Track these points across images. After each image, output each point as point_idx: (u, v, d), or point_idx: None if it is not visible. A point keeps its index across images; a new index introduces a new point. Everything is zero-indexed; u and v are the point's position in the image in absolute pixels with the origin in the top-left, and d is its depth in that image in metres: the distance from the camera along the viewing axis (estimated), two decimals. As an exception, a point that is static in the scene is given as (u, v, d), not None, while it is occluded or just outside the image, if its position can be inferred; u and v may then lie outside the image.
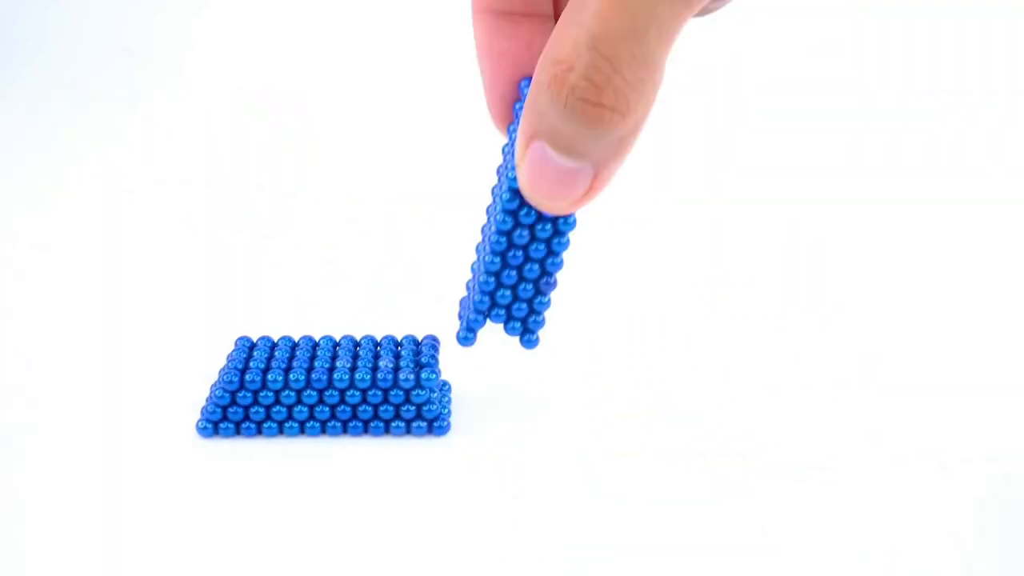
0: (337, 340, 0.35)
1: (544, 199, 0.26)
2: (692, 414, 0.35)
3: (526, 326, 0.31)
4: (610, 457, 0.32)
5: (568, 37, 0.23)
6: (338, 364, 0.33)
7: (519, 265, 0.31)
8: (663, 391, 0.36)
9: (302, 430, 0.33)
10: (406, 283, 0.46)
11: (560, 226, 0.30)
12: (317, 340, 0.35)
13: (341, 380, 0.32)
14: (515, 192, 0.29)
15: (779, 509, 0.30)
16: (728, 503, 0.30)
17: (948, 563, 0.28)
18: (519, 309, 0.31)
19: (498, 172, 0.31)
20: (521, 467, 0.32)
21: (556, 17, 0.30)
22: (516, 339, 0.31)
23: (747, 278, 0.46)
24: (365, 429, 0.33)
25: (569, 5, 0.24)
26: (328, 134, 0.65)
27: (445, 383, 0.35)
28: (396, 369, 0.33)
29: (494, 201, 0.31)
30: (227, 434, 0.33)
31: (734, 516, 0.30)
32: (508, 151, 0.31)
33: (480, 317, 0.31)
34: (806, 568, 0.28)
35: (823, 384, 0.37)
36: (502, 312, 0.31)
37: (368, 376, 0.32)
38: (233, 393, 0.32)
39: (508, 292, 0.31)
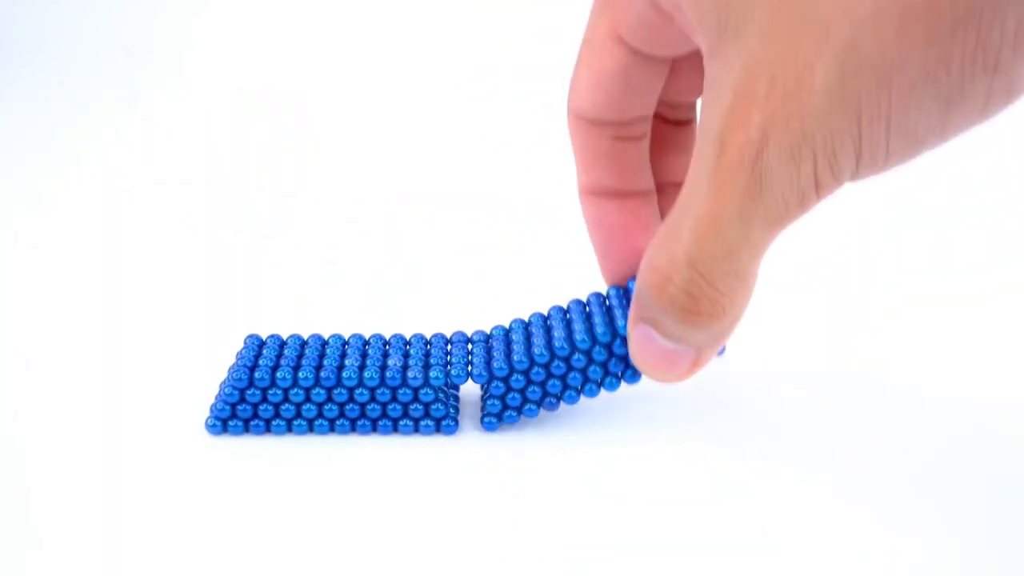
0: (346, 339, 0.35)
1: (649, 371, 0.30)
2: (696, 413, 0.35)
3: (501, 418, 0.33)
4: (615, 458, 0.33)
5: (668, 250, 0.26)
6: (347, 363, 0.33)
7: (558, 375, 0.32)
8: (670, 392, 0.37)
9: (311, 428, 0.33)
10: (407, 282, 0.47)
11: (628, 377, 0.33)
12: (327, 338, 0.35)
13: (350, 379, 0.33)
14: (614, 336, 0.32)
15: (779, 509, 0.30)
16: (729, 503, 0.30)
17: (948, 563, 0.28)
18: (513, 400, 0.33)
19: (598, 300, 0.33)
20: (525, 467, 0.32)
21: (658, 188, 0.33)
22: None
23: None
24: (373, 427, 0.33)
25: (670, 216, 0.26)
26: (328, 134, 0.65)
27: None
28: (405, 368, 0.33)
29: (582, 318, 0.33)
30: (236, 432, 0.33)
31: (735, 516, 0.30)
32: (616, 294, 0.33)
33: (495, 402, 0.33)
34: (806, 568, 0.28)
35: (826, 385, 0.38)
36: (498, 402, 0.33)
37: (376, 375, 0.33)
38: (243, 390, 0.33)
39: (519, 395, 0.33)
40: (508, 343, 0.33)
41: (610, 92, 0.30)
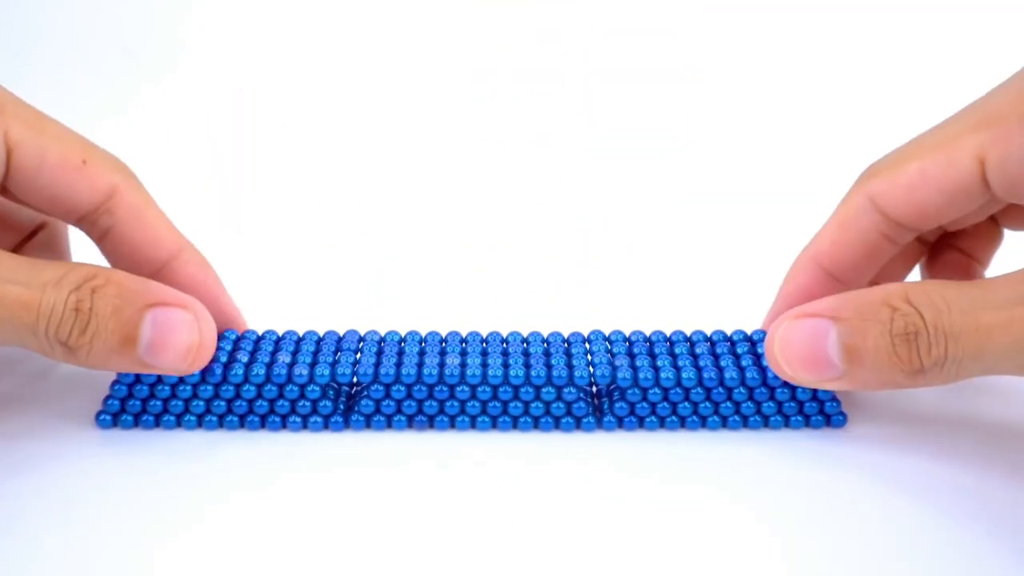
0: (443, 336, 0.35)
1: (782, 358, 0.30)
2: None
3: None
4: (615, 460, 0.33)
5: (937, 310, 0.27)
6: (489, 361, 0.33)
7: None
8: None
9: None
10: (406, 280, 0.47)
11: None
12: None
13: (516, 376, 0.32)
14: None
15: (781, 508, 0.30)
16: (732, 504, 0.30)
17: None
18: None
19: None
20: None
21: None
22: None
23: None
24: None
25: (961, 286, 0.27)
26: (328, 132, 0.65)
27: None
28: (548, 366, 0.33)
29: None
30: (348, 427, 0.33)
31: (737, 517, 0.29)
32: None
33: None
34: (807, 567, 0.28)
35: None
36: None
37: (528, 373, 0.33)
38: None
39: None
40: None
41: (854, 256, 0.32)
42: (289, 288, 0.45)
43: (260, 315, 0.41)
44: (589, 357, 0.33)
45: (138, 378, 0.32)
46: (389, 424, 0.33)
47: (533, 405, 0.32)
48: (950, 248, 0.35)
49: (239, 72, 0.70)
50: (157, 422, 0.33)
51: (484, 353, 0.33)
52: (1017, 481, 0.31)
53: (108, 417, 0.33)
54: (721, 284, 0.46)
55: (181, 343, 0.30)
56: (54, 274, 0.29)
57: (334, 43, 0.72)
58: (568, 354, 0.33)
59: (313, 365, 0.32)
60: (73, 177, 0.31)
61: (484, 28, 0.72)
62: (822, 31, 0.70)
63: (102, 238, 0.33)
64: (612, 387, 0.33)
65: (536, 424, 0.33)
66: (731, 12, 0.70)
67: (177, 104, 0.68)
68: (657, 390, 0.32)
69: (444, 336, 0.34)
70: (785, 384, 0.32)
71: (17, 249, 0.37)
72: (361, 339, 0.34)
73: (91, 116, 0.66)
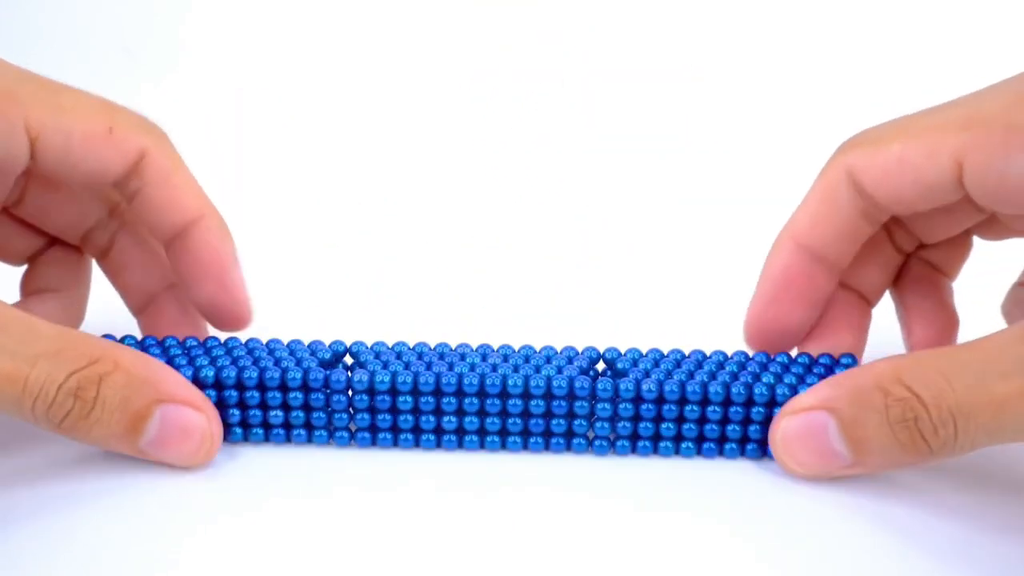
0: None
1: (788, 456, 0.29)
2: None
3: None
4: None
5: (936, 387, 0.26)
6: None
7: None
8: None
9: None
10: (406, 283, 0.47)
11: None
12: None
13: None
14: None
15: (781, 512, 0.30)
16: (735, 508, 0.30)
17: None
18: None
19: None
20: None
21: (870, 299, 0.34)
22: None
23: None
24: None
25: (952, 355, 0.26)
26: (327, 132, 0.65)
27: None
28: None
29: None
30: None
31: (740, 519, 0.30)
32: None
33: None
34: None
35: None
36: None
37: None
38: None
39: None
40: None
41: (833, 233, 0.31)
42: (289, 287, 0.45)
43: (259, 314, 0.41)
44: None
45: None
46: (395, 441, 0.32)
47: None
48: (919, 262, 0.34)
49: (239, 72, 0.71)
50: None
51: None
52: (1015, 486, 0.31)
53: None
54: (721, 284, 0.46)
55: (188, 447, 0.29)
56: (50, 345, 0.27)
57: (334, 43, 0.72)
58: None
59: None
60: (100, 148, 0.30)
61: (484, 28, 0.72)
62: (823, 30, 0.70)
63: (131, 200, 0.33)
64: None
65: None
66: (731, 12, 0.70)
67: (177, 104, 0.68)
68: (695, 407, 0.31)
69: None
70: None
71: (36, 256, 0.35)
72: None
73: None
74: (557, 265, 0.49)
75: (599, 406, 0.31)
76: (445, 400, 0.31)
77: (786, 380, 0.31)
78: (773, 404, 0.31)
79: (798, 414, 0.29)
